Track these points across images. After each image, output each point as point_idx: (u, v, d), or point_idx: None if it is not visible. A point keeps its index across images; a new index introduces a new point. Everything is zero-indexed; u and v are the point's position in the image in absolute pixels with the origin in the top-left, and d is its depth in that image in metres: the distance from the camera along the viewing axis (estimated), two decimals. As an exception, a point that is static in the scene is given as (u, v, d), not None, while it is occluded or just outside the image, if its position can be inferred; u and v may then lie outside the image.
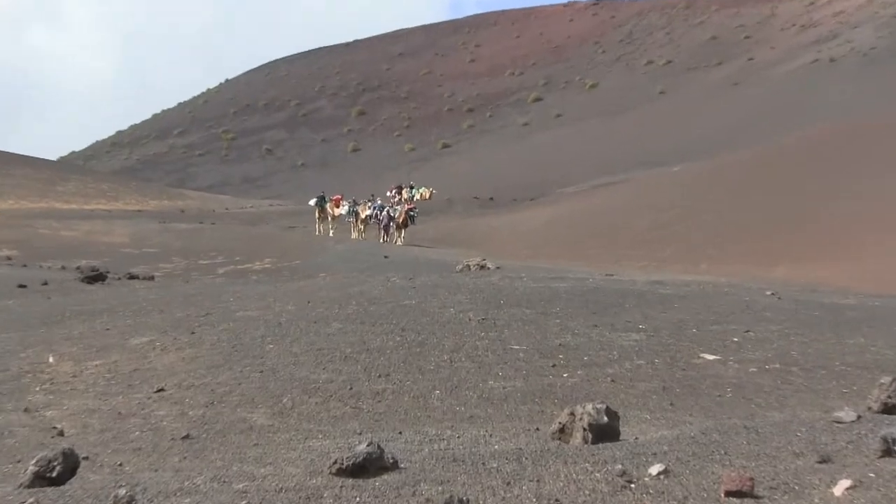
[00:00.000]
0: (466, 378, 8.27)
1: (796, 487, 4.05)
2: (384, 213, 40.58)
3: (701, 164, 48.47)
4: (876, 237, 26.93)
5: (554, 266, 25.51)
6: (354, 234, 42.76)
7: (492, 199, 57.81)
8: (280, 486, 4.62)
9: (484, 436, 6.21)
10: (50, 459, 4.97)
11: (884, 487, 3.92)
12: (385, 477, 4.57)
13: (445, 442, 6.00)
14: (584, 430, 5.21)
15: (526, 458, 4.80)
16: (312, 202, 44.98)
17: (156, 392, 8.32)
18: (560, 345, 9.39)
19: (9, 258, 29.06)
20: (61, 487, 4.82)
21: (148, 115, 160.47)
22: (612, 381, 8.17)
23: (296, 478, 4.78)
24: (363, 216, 42.36)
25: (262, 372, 8.73)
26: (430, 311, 11.11)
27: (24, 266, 25.44)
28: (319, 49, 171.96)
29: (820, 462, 4.36)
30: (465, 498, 4.13)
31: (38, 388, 8.81)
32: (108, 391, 8.54)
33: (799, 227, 30.08)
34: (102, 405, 8.05)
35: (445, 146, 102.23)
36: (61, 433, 7.23)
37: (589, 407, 5.27)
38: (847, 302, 13.12)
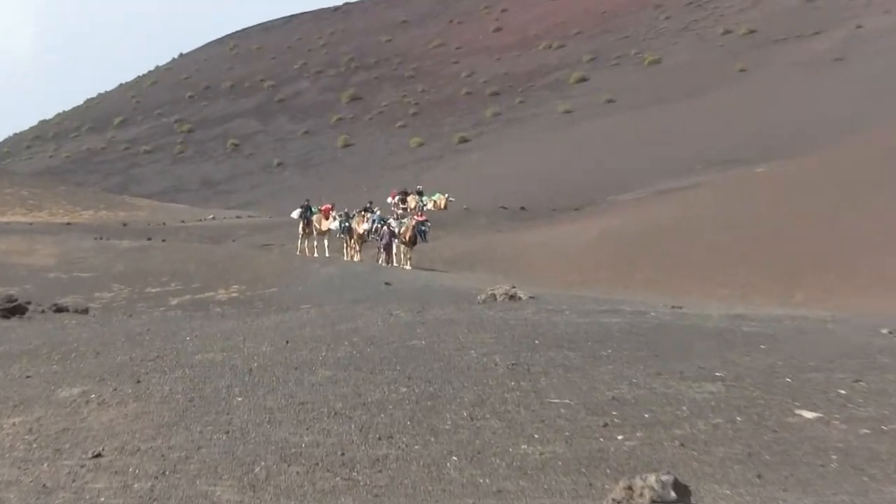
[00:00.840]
0: (492, 441, 8.25)
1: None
2: (385, 227, 40.61)
3: (794, 163, 48.33)
4: None
5: (605, 296, 25.44)
6: (348, 255, 42.79)
7: (524, 208, 57.88)
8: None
9: (515, 516, 6.19)
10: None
11: None
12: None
13: (465, 524, 5.99)
14: (646, 509, 5.19)
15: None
16: (296, 214, 45.03)
17: (91, 458, 8.32)
18: (613, 398, 9.36)
19: None
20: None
21: (80, 101, 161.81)
22: (682, 445, 8.13)
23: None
24: (359, 231, 42.34)
25: (227, 433, 8.73)
26: (445, 355, 11.10)
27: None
28: (301, 15, 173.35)
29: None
30: None
31: (-61, 454, 8.83)
32: (29, 457, 8.55)
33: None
34: (22, 476, 8.06)
35: (463, 140, 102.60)
36: (-31, 512, 7.24)
37: (651, 479, 5.26)
38: None
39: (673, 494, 5.26)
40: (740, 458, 7.84)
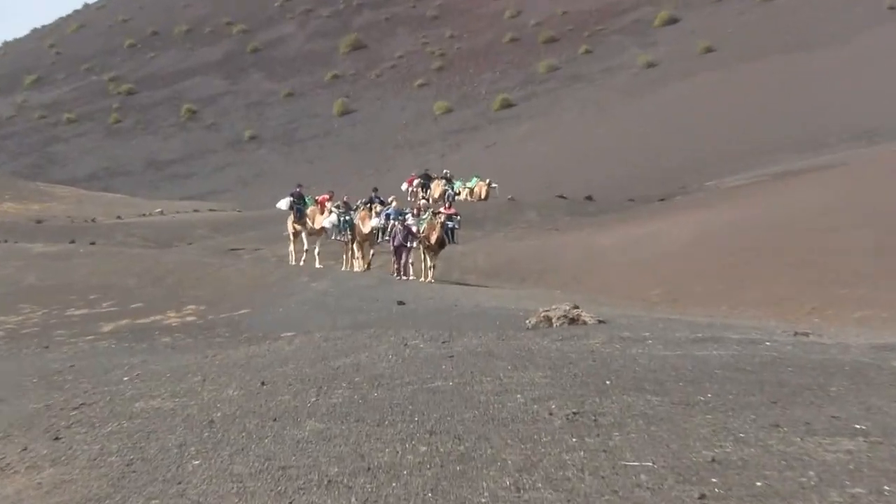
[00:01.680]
0: (545, 520, 8.24)
1: None
2: (400, 224, 40.33)
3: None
4: None
5: (703, 318, 25.39)
6: (348, 263, 42.53)
7: (590, 198, 57.86)
8: None
9: None
10: None
11: None
12: None
13: None
14: None
15: None
16: (284, 204, 44.28)
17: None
18: (713, 460, 9.34)
19: None
20: None
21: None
22: (808, 526, 8.11)
23: None
24: (364, 230, 42.07)
25: (180, 508, 8.76)
26: (481, 401, 11.11)
27: None
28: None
29: None
30: None
31: None
32: None
33: None
34: None
35: (507, 105, 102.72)
36: None
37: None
38: None
39: None
40: (890, 543, 7.82)
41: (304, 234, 42.60)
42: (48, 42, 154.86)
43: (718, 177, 59.85)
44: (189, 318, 28.52)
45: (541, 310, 18.88)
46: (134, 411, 11.62)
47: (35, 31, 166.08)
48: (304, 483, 9.12)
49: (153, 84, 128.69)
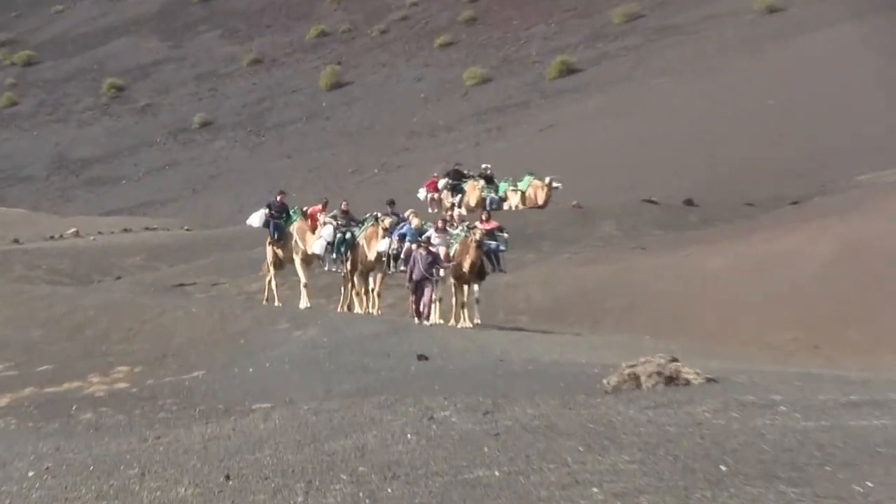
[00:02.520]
0: None
1: None
2: (422, 249, 39.87)
3: None
4: None
5: (857, 373, 25.39)
6: (344, 303, 42.47)
7: (691, 202, 57.86)
8: None
9: None
10: None
11: None
12: None
13: None
14: None
15: None
16: (257, 220, 43.83)
17: None
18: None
19: None
20: None
21: None
22: None
23: None
24: (369, 255, 41.80)
25: None
26: (541, 496, 11.12)
27: None
28: None
29: None
30: None
31: None
32: None
33: None
34: None
35: (568, 70, 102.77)
36: None
37: None
38: None
39: None
40: None
41: (288, 262, 41.68)
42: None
43: (876, 169, 59.86)
44: (120, 385, 28.65)
45: (624, 365, 18.92)
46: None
47: None
48: None
49: (61, 50, 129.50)
